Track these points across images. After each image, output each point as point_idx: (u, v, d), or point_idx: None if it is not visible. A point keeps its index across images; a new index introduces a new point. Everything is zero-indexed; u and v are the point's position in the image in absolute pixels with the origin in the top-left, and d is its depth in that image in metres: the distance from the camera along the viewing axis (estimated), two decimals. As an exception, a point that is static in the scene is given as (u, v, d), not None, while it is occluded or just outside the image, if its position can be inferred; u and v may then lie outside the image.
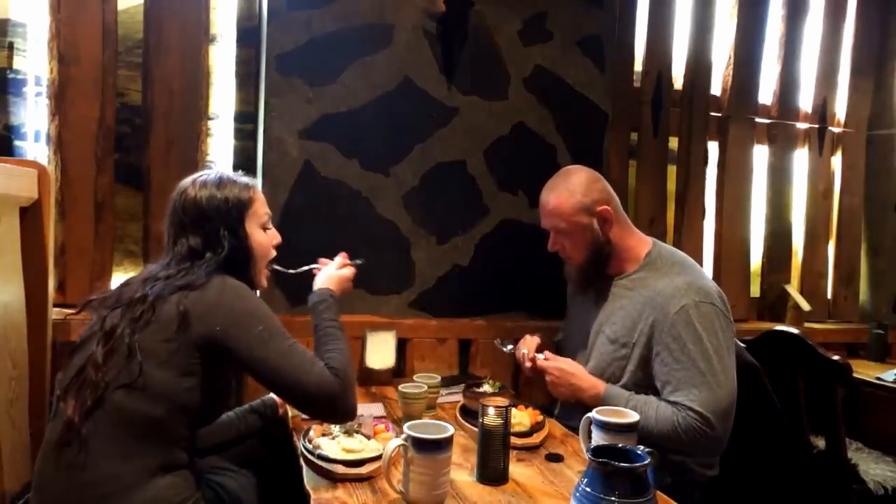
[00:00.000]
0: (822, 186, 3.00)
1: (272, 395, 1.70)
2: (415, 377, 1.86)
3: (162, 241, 1.44)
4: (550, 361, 1.74)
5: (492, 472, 1.35)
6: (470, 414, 1.69)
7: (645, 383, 1.66)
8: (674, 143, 2.75)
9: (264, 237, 1.49)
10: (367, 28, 2.15)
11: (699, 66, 2.74)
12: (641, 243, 1.80)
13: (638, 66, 2.67)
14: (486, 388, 1.80)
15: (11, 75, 2.01)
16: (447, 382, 1.99)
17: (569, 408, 1.79)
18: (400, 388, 1.72)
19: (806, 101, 2.98)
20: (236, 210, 1.41)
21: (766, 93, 2.91)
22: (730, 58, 2.81)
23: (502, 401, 1.41)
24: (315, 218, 2.13)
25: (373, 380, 2.09)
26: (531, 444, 1.56)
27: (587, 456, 1.08)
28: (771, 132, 2.92)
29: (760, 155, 2.92)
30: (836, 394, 2.05)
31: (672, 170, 2.74)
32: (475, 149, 2.29)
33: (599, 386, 1.66)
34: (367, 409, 1.77)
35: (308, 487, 1.30)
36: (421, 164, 2.23)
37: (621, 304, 1.74)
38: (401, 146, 2.21)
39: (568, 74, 2.37)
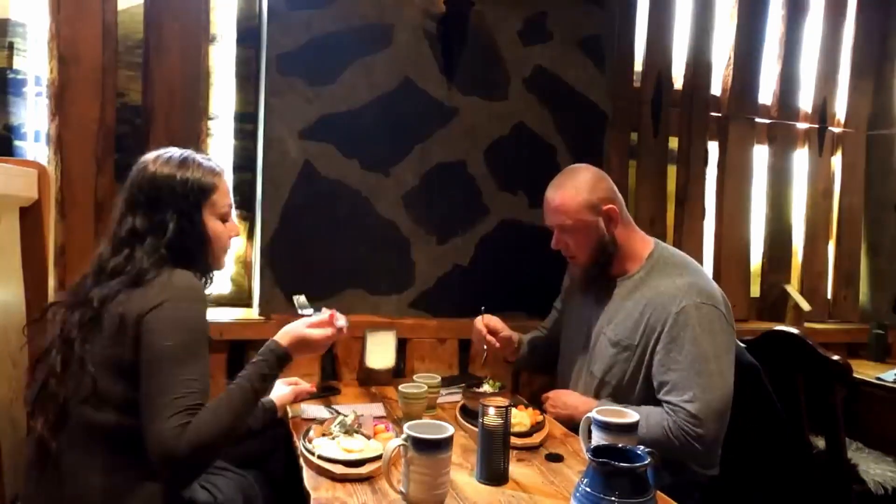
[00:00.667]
0: (822, 186, 3.00)
1: (271, 396, 1.69)
2: (415, 377, 1.86)
3: None
4: (551, 400, 1.81)
5: (492, 472, 1.35)
6: (470, 414, 1.69)
7: (647, 384, 1.66)
8: (674, 143, 2.74)
9: (221, 228, 1.39)
10: (367, 28, 2.15)
11: (699, 66, 2.74)
12: (644, 244, 1.80)
13: (638, 66, 2.67)
14: (486, 388, 1.80)
15: (11, 75, 2.01)
16: (447, 382, 1.98)
17: None
18: (400, 388, 1.72)
19: (806, 101, 2.98)
20: (194, 195, 1.33)
21: (766, 93, 2.91)
22: (730, 58, 2.81)
23: (502, 401, 1.41)
24: (315, 218, 2.13)
25: (373, 380, 2.09)
26: (531, 444, 1.56)
27: (587, 456, 1.08)
28: (771, 132, 2.92)
29: (760, 155, 2.92)
30: (836, 394, 2.05)
31: (672, 170, 2.74)
32: (475, 149, 2.29)
33: (591, 404, 1.67)
34: (367, 409, 1.77)
35: (308, 487, 1.30)
36: (421, 164, 2.23)
37: (623, 306, 1.74)
38: (401, 146, 2.21)
39: (568, 74, 2.37)
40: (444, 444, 1.21)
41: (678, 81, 2.73)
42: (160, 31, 2.06)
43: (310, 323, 1.41)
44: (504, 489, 1.33)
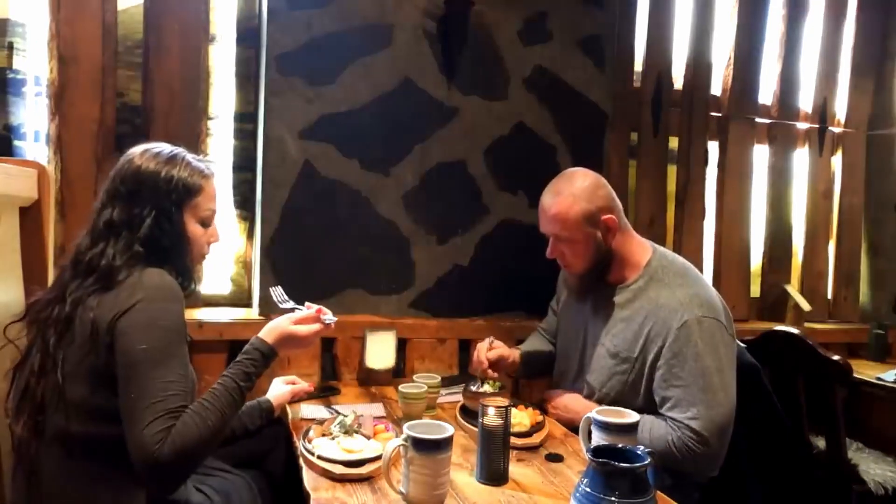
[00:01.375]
0: (822, 186, 3.00)
1: (268, 396, 1.69)
2: (415, 377, 1.86)
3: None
4: (553, 402, 1.81)
5: (492, 472, 1.35)
6: (470, 414, 1.69)
7: (650, 397, 1.65)
8: (674, 143, 2.74)
9: (200, 232, 1.35)
10: (367, 28, 2.15)
11: (699, 66, 2.74)
12: (642, 250, 1.76)
13: (638, 66, 2.67)
14: (486, 388, 1.80)
15: (11, 75, 2.01)
16: (447, 382, 1.98)
17: None
18: (400, 388, 1.72)
19: (806, 101, 2.98)
20: (177, 194, 1.29)
21: (766, 93, 2.91)
22: (730, 58, 2.81)
23: (502, 401, 1.40)
24: (315, 218, 2.13)
25: (373, 380, 2.09)
26: (531, 444, 1.56)
27: (587, 456, 1.08)
28: (771, 132, 2.92)
29: (760, 155, 2.92)
30: (836, 394, 2.05)
31: (672, 170, 2.74)
32: (475, 149, 2.28)
33: (593, 407, 1.63)
34: (367, 409, 1.77)
35: (308, 487, 1.30)
36: (421, 164, 2.23)
37: (622, 316, 1.71)
38: (401, 146, 2.21)
39: (568, 74, 2.37)
40: (444, 444, 1.21)
41: (678, 81, 2.73)
42: (160, 31, 2.06)
43: (296, 319, 1.40)
44: (504, 489, 1.33)
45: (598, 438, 1.34)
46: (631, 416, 1.38)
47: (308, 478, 1.34)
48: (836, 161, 3.05)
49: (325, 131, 2.13)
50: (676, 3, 2.67)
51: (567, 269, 1.81)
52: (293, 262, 2.12)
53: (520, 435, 1.57)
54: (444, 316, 2.26)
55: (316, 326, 1.41)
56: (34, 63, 2.02)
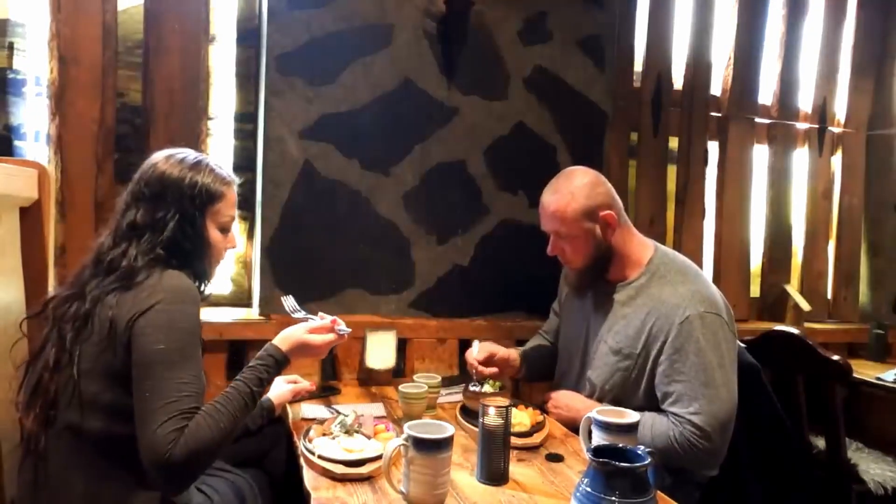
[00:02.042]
0: (822, 186, 3.00)
1: (269, 395, 1.69)
2: (415, 377, 1.86)
3: None
4: (553, 400, 1.79)
5: (492, 472, 1.35)
6: (470, 414, 1.69)
7: (651, 393, 1.65)
8: (674, 143, 2.75)
9: (219, 238, 1.38)
10: (367, 28, 2.15)
11: (699, 66, 2.74)
12: (643, 248, 1.77)
13: (638, 66, 2.67)
14: (486, 388, 1.79)
15: (11, 75, 2.01)
16: (447, 382, 1.98)
17: None
18: (400, 388, 1.72)
19: (806, 101, 2.98)
20: (200, 199, 1.31)
21: (766, 93, 2.92)
22: (730, 58, 2.81)
23: (502, 401, 1.41)
24: (315, 218, 2.13)
25: (373, 380, 2.09)
26: (531, 444, 1.56)
27: (587, 456, 1.08)
28: (771, 132, 2.92)
29: (760, 155, 2.92)
30: (835, 394, 2.05)
31: (672, 170, 2.74)
32: (475, 149, 2.29)
33: (594, 406, 1.63)
34: (368, 409, 1.77)
35: (308, 487, 1.30)
36: (421, 164, 2.23)
37: (624, 313, 1.72)
38: (401, 146, 2.21)
39: (568, 74, 2.37)
40: (444, 444, 1.21)
41: (678, 81, 2.73)
42: (160, 32, 2.06)
43: (311, 328, 1.40)
44: (504, 489, 1.33)
45: (598, 438, 1.34)
46: (631, 416, 1.38)
47: (308, 477, 1.34)
48: (836, 161, 3.05)
49: (325, 131, 2.13)
50: (676, 3, 2.67)
51: (567, 266, 1.82)
52: (293, 262, 2.12)
53: (520, 435, 1.57)
54: (444, 316, 2.27)
55: (330, 337, 1.41)
56: (34, 63, 2.02)
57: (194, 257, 1.33)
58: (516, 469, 1.41)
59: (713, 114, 2.80)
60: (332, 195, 2.14)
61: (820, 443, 2.22)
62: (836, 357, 2.00)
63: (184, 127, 2.10)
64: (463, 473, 1.38)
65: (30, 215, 1.67)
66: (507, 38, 2.29)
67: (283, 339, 1.36)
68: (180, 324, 1.19)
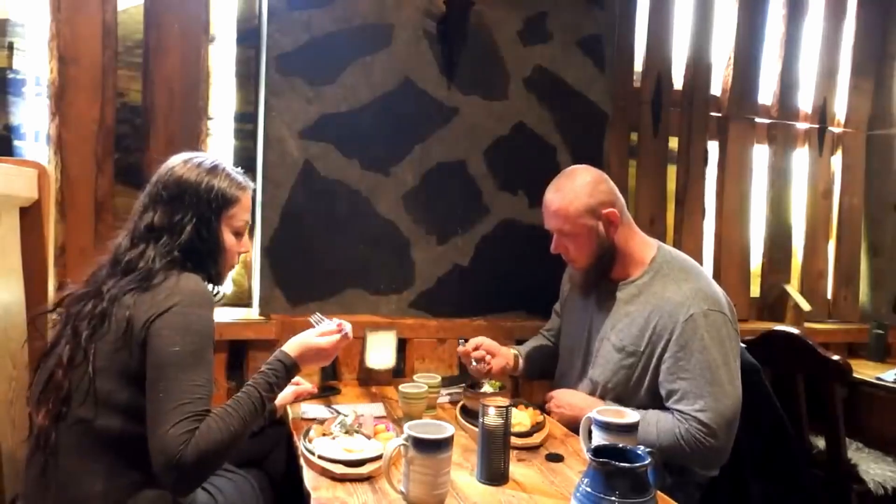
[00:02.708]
0: (822, 186, 3.01)
1: None
2: (415, 377, 1.86)
3: None
4: (555, 399, 1.78)
5: (492, 472, 1.35)
6: (470, 414, 1.69)
7: (654, 391, 1.65)
8: (674, 143, 2.75)
9: (232, 242, 1.40)
10: (367, 28, 2.15)
11: (699, 66, 2.74)
12: (646, 247, 1.77)
13: (638, 66, 2.67)
14: (486, 388, 1.79)
15: (11, 75, 2.01)
16: (447, 382, 1.98)
17: None
18: (400, 388, 1.72)
19: (806, 101, 2.98)
20: (216, 203, 1.34)
21: (766, 93, 2.92)
22: (730, 58, 2.81)
23: (502, 401, 1.41)
24: (315, 218, 2.13)
25: (373, 380, 2.09)
26: (531, 444, 1.56)
27: (587, 456, 1.08)
28: (771, 132, 2.92)
29: (760, 155, 2.92)
30: (835, 394, 2.05)
31: (672, 170, 2.74)
32: (475, 149, 2.29)
33: (597, 404, 1.65)
34: (368, 409, 1.77)
35: (308, 487, 1.30)
36: (421, 164, 2.23)
37: (627, 311, 1.72)
38: (401, 146, 2.21)
39: (568, 74, 2.37)
40: (444, 444, 1.21)
41: (678, 81, 2.73)
42: (160, 31, 2.06)
43: (318, 333, 1.42)
44: (504, 489, 1.33)
45: (598, 438, 1.34)
46: (631, 416, 1.38)
47: (309, 477, 1.34)
48: (836, 161, 3.05)
49: (325, 131, 2.13)
50: (676, 4, 2.67)
51: (571, 265, 1.82)
52: (293, 262, 2.12)
53: (520, 435, 1.57)
54: (444, 316, 2.27)
55: (336, 337, 1.43)
56: (34, 63, 2.02)
57: (208, 260, 1.36)
58: (516, 469, 1.41)
59: (713, 114, 2.80)
60: (332, 195, 2.14)
61: (820, 443, 2.22)
62: (836, 357, 2.00)
63: (184, 127, 2.10)
64: (463, 473, 1.38)
65: (30, 215, 1.67)
66: (507, 38, 2.29)
67: (291, 344, 1.38)
68: (196, 326, 1.21)
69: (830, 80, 2.99)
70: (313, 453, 1.38)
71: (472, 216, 2.30)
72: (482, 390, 1.77)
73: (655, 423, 1.57)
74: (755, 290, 2.92)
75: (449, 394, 1.95)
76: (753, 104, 2.86)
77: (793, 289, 2.89)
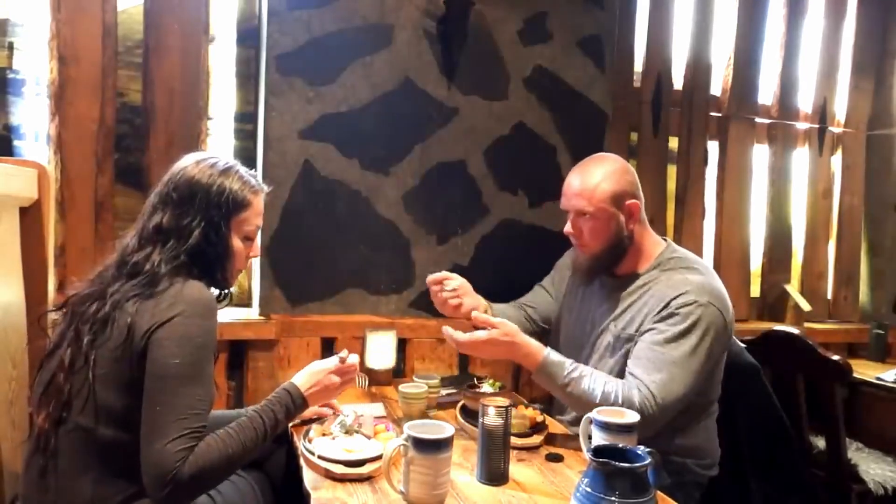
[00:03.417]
0: (822, 186, 3.00)
1: None
2: (415, 377, 1.86)
3: None
4: (489, 320, 1.60)
5: (492, 472, 1.35)
6: (470, 414, 1.69)
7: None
8: (674, 142, 2.75)
9: (241, 248, 1.37)
10: (367, 28, 2.15)
11: (699, 66, 2.74)
12: (656, 244, 1.77)
13: (638, 66, 2.67)
14: (486, 388, 1.79)
15: (11, 75, 2.01)
16: (447, 382, 1.98)
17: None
18: (400, 388, 1.72)
19: (806, 101, 2.98)
20: (227, 207, 1.31)
21: (766, 93, 2.91)
22: (730, 58, 2.81)
23: (502, 401, 1.41)
24: (315, 218, 2.13)
25: (373, 380, 2.09)
26: (531, 444, 1.56)
27: (587, 456, 1.08)
28: (771, 132, 2.92)
29: (760, 155, 2.92)
30: (835, 394, 2.05)
31: (672, 170, 2.74)
32: (475, 149, 2.28)
33: (539, 353, 1.56)
34: (368, 409, 1.77)
35: (308, 487, 1.30)
36: (421, 164, 2.23)
37: (631, 301, 1.71)
38: (401, 146, 2.21)
39: (568, 74, 2.37)
40: (444, 444, 1.21)
41: (678, 81, 2.73)
42: (160, 31, 2.06)
43: (330, 368, 1.39)
44: (504, 489, 1.33)
45: (598, 438, 1.34)
46: (631, 417, 1.38)
47: (308, 478, 1.34)
48: (836, 161, 3.05)
49: (325, 131, 2.13)
50: (676, 4, 2.67)
51: (581, 250, 1.76)
52: (293, 262, 2.12)
53: (520, 435, 1.57)
54: (444, 316, 2.26)
55: (335, 361, 1.41)
56: (34, 63, 2.02)
57: (216, 265, 1.33)
58: (516, 469, 1.41)
59: (713, 114, 2.80)
60: (332, 195, 2.14)
61: (820, 443, 2.22)
62: (836, 357, 2.00)
63: (183, 127, 2.10)
64: (463, 473, 1.38)
65: (30, 215, 1.67)
66: (507, 38, 2.29)
67: (299, 374, 1.37)
68: (197, 339, 1.19)
69: (830, 80, 2.99)
70: (313, 453, 1.38)
71: (472, 216, 2.30)
72: (482, 390, 1.77)
73: (604, 382, 1.54)
74: (755, 290, 2.92)
75: (448, 394, 1.94)
76: (753, 104, 2.86)
77: (793, 289, 2.89)
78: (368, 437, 1.46)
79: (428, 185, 2.24)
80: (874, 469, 2.19)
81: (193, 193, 1.29)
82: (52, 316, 1.40)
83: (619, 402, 1.50)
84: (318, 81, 2.11)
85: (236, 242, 1.36)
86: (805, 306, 2.81)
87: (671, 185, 2.73)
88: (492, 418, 1.35)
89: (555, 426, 1.72)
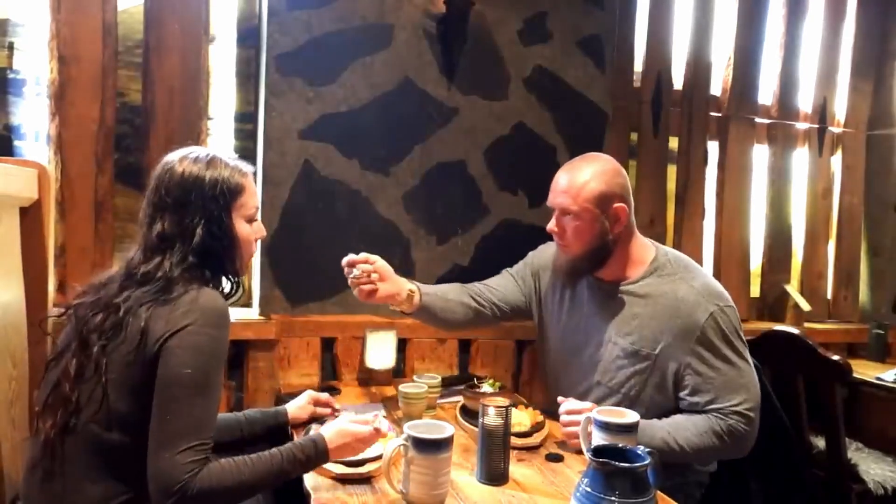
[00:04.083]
0: (821, 186, 3.00)
1: (286, 406, 1.67)
2: (415, 377, 1.86)
3: None
4: (567, 410, 1.56)
5: (492, 472, 1.35)
6: (470, 414, 1.69)
7: (664, 394, 1.63)
8: (674, 142, 2.74)
9: (248, 231, 1.35)
10: (367, 28, 2.15)
11: (699, 66, 2.74)
12: (645, 248, 1.73)
13: (638, 66, 2.67)
14: (486, 388, 1.79)
15: (11, 75, 2.01)
16: (447, 382, 1.98)
17: None
18: (400, 388, 1.72)
19: (806, 101, 2.98)
20: (223, 197, 1.28)
21: (766, 93, 2.91)
22: (730, 58, 2.81)
23: (502, 401, 1.41)
24: (315, 218, 2.13)
25: (373, 380, 2.09)
26: (531, 444, 1.56)
27: (587, 456, 1.08)
28: (771, 132, 2.92)
29: (760, 155, 2.92)
30: (835, 394, 2.05)
31: (672, 170, 2.74)
32: (475, 149, 2.29)
33: None
34: (367, 409, 1.76)
35: (308, 487, 1.30)
36: (421, 164, 2.23)
37: (634, 313, 1.66)
38: (401, 146, 2.21)
39: (568, 74, 2.37)
40: (444, 444, 1.21)
41: (678, 81, 2.73)
42: (160, 31, 2.06)
43: (358, 433, 1.33)
44: (504, 489, 1.33)
45: (598, 438, 1.34)
46: (631, 416, 1.38)
47: (308, 477, 1.34)
48: (836, 161, 3.05)
49: (325, 131, 2.13)
50: (676, 3, 2.67)
51: (563, 250, 1.71)
52: (293, 261, 2.12)
53: (520, 435, 1.57)
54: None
55: (369, 428, 1.35)
56: (34, 63, 2.02)
57: (226, 257, 1.32)
58: (516, 469, 1.41)
59: (713, 114, 2.80)
60: (332, 195, 2.14)
61: (820, 443, 2.22)
62: (836, 357, 2.00)
63: (184, 127, 2.10)
64: (463, 473, 1.38)
65: (30, 215, 1.67)
66: (507, 38, 2.29)
67: (329, 427, 1.33)
68: (209, 349, 1.18)
69: (830, 80, 2.98)
70: (313, 453, 1.37)
71: (472, 216, 2.30)
72: (482, 390, 1.77)
73: (693, 424, 1.56)
74: (755, 290, 2.92)
75: (449, 393, 1.94)
76: (753, 104, 2.86)
77: (793, 289, 2.89)
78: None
79: (428, 185, 2.24)
80: (874, 469, 2.19)
81: (188, 193, 1.27)
82: (54, 315, 1.39)
83: (727, 440, 1.55)
84: (318, 81, 2.11)
85: (241, 228, 1.33)
86: (805, 306, 2.81)
87: (671, 185, 2.73)
88: (492, 418, 1.35)
89: (555, 426, 1.71)
